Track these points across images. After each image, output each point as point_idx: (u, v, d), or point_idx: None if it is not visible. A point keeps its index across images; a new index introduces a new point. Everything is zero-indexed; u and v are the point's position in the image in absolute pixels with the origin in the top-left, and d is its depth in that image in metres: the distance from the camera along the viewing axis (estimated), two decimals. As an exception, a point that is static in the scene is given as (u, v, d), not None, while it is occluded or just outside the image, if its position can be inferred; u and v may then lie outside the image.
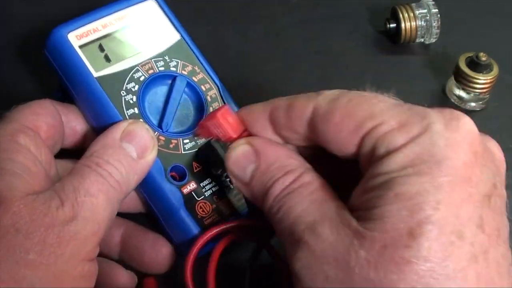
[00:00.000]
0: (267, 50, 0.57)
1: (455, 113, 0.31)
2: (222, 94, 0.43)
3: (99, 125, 0.40)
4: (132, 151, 0.36)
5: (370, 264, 0.28)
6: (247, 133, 0.36)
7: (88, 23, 0.42)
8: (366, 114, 0.31)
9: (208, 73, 0.44)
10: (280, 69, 0.55)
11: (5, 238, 0.31)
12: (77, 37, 0.41)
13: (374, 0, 0.61)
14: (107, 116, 0.40)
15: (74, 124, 0.41)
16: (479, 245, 0.29)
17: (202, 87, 0.43)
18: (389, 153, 0.30)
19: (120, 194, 0.35)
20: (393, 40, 0.57)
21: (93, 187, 0.34)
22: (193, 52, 0.44)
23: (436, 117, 0.30)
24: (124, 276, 0.40)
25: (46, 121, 0.38)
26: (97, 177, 0.34)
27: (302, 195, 0.32)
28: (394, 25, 0.56)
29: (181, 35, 0.44)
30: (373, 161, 0.31)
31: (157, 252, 0.39)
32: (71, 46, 0.40)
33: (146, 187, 0.39)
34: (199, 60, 0.44)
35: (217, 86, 0.44)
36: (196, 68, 0.44)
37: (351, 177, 0.33)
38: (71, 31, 0.41)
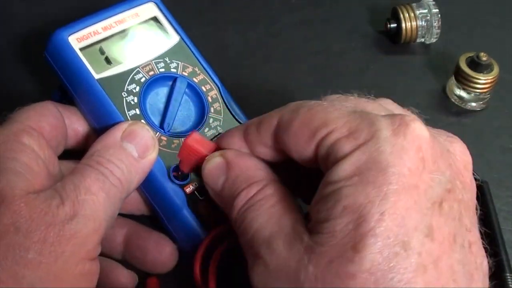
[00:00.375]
0: (267, 50, 0.57)
1: (405, 118, 0.30)
2: (222, 94, 0.44)
3: (101, 126, 0.40)
4: (133, 151, 0.36)
5: (318, 279, 0.28)
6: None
7: (88, 26, 0.42)
8: (320, 121, 0.32)
9: (208, 74, 0.44)
10: (280, 69, 0.55)
11: (5, 237, 0.31)
12: (78, 39, 0.41)
13: (374, 0, 0.61)
14: (108, 117, 0.40)
15: (76, 125, 0.41)
16: (427, 254, 0.28)
17: (203, 88, 0.43)
18: (337, 161, 0.30)
19: (122, 193, 0.35)
20: (394, 40, 0.57)
21: (94, 185, 0.34)
22: (193, 54, 0.44)
23: (385, 124, 0.30)
24: (124, 275, 0.40)
25: (50, 122, 0.38)
26: (98, 175, 0.34)
27: (263, 208, 0.33)
28: (395, 25, 0.56)
29: (181, 37, 0.44)
30: (326, 169, 0.31)
31: (160, 251, 0.40)
32: (72, 48, 0.41)
33: (149, 187, 0.39)
34: (199, 61, 0.44)
35: (218, 87, 0.44)
36: (197, 69, 0.44)
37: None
38: (72, 34, 0.41)
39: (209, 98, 0.43)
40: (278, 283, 0.30)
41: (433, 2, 0.56)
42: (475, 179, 0.45)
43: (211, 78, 0.44)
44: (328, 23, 0.59)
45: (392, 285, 0.27)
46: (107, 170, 0.35)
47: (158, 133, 0.40)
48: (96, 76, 0.40)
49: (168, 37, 0.44)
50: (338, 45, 0.57)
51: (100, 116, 0.40)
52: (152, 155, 0.37)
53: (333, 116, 0.32)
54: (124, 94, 0.41)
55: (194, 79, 0.43)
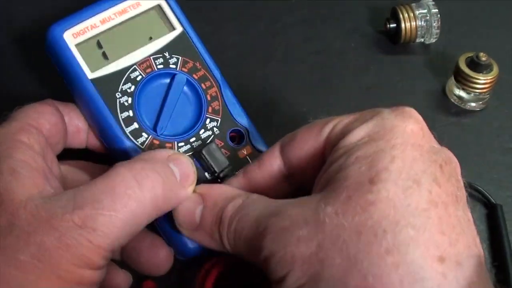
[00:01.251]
0: (267, 50, 0.57)
1: (402, 107, 0.34)
2: (222, 92, 0.42)
3: (95, 126, 0.40)
4: (177, 174, 0.35)
5: (338, 213, 0.30)
6: None
7: (86, 19, 0.40)
8: (325, 120, 0.35)
9: (209, 70, 0.42)
10: (280, 69, 0.55)
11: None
12: (74, 35, 0.40)
13: (374, 0, 0.61)
14: (101, 119, 0.39)
15: (77, 122, 0.40)
16: (437, 195, 0.30)
17: (202, 85, 0.42)
18: (347, 134, 0.33)
19: (153, 211, 0.34)
20: (393, 40, 0.57)
21: (119, 201, 0.32)
22: (196, 47, 0.42)
23: (385, 109, 0.34)
24: (119, 275, 0.39)
25: (49, 120, 0.38)
26: (131, 189, 0.32)
27: (256, 202, 0.34)
28: (394, 25, 0.56)
29: (184, 28, 0.43)
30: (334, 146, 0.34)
31: (155, 254, 0.39)
32: (67, 46, 0.40)
33: None
34: (201, 55, 0.42)
35: (218, 84, 0.42)
36: (198, 64, 0.42)
37: None
38: (68, 29, 0.40)
39: (208, 97, 0.42)
40: (296, 231, 0.30)
41: (433, 2, 0.56)
42: (490, 202, 0.46)
43: (212, 74, 0.42)
44: (328, 23, 0.59)
45: (409, 212, 0.29)
46: (149, 180, 0.33)
47: (150, 135, 0.39)
48: (91, 75, 0.39)
49: (170, 29, 0.42)
50: (338, 45, 0.57)
51: (93, 117, 0.40)
52: (191, 188, 0.36)
53: (335, 116, 0.35)
54: (118, 94, 0.39)
55: (194, 75, 0.42)
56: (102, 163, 0.41)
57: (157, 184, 0.33)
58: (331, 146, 0.34)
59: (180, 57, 0.42)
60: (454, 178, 0.32)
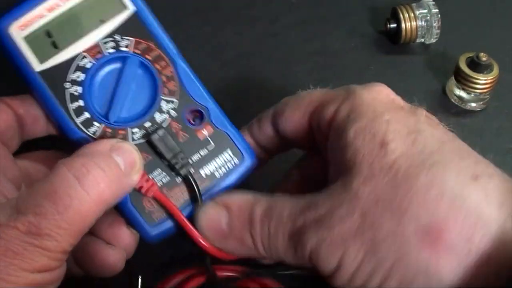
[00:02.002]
0: (266, 50, 0.57)
1: (371, 83, 0.38)
2: (178, 71, 0.40)
3: (49, 118, 0.39)
4: (121, 163, 0.34)
5: (366, 182, 0.32)
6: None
7: (31, 9, 0.39)
8: (309, 98, 0.39)
9: (164, 49, 0.40)
10: (279, 69, 0.55)
11: None
12: (21, 27, 0.38)
13: (374, 0, 0.61)
14: (52, 111, 0.38)
15: (33, 111, 0.39)
16: (439, 135, 0.34)
17: (157, 65, 0.39)
18: (332, 114, 0.36)
19: (99, 207, 0.32)
20: (393, 40, 0.57)
21: (61, 203, 0.31)
22: (149, 26, 0.40)
23: (356, 86, 0.37)
24: (112, 254, 0.38)
25: None
26: (72, 187, 0.31)
27: (281, 201, 0.35)
28: (395, 25, 0.56)
29: (136, 7, 0.40)
30: (331, 127, 0.37)
31: (114, 234, 0.38)
32: (12, 40, 0.38)
33: None
34: (155, 35, 0.40)
35: (174, 63, 0.40)
36: (152, 45, 0.40)
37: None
38: (13, 22, 0.38)
39: (163, 77, 0.39)
40: (336, 214, 0.32)
41: (433, 2, 0.56)
42: None
43: (168, 53, 0.40)
44: (327, 23, 0.59)
45: (426, 153, 0.32)
46: (92, 177, 0.32)
47: (102, 124, 0.38)
48: (39, 67, 0.38)
49: (122, 9, 0.40)
50: (338, 45, 0.57)
51: (45, 110, 0.39)
52: (137, 175, 0.35)
53: (315, 90, 0.40)
54: (67, 84, 0.38)
55: (147, 56, 0.39)
56: (67, 148, 0.39)
57: (100, 179, 0.32)
58: (316, 122, 0.38)
59: (133, 39, 0.40)
60: (440, 124, 0.35)
